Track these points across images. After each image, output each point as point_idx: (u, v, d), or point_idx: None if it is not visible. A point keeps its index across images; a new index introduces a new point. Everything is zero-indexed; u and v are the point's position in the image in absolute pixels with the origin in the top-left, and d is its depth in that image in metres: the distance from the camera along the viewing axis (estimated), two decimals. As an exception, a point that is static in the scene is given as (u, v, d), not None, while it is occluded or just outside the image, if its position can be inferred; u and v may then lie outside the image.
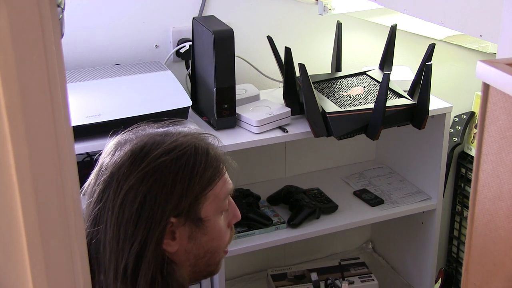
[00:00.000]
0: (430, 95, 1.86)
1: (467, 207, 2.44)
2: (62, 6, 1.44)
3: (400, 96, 1.90)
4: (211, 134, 1.16)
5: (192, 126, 1.75)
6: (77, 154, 1.67)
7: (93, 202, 1.08)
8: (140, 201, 1.04)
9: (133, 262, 1.05)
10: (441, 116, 1.97)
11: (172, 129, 1.14)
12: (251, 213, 1.91)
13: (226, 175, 1.14)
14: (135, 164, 1.05)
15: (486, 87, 0.85)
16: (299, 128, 1.86)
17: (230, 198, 1.17)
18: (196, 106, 1.93)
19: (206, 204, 1.09)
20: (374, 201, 2.08)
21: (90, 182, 1.11)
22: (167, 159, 1.06)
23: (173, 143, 1.08)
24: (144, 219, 1.04)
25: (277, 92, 2.06)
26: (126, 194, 1.05)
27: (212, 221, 1.11)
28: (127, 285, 1.06)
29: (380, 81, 1.83)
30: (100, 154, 1.13)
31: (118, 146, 1.10)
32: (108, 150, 1.11)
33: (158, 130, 1.14)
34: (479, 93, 0.88)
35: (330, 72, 2.08)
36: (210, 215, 1.10)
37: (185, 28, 2.02)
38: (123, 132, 1.15)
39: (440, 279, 2.50)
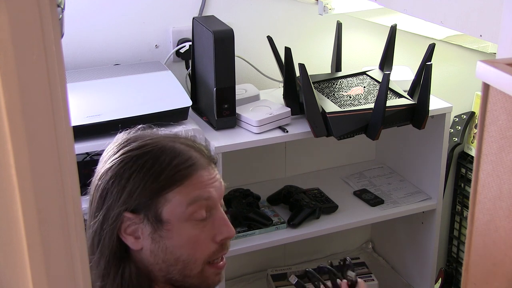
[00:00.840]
0: (430, 95, 1.86)
1: (467, 207, 2.44)
2: (62, 6, 1.44)
3: (400, 96, 1.90)
4: (195, 141, 1.17)
5: (192, 126, 1.75)
6: (77, 154, 1.67)
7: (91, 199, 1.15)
8: (104, 187, 1.10)
9: (93, 238, 1.11)
10: (441, 116, 1.97)
11: (162, 129, 1.18)
12: (251, 213, 1.91)
13: (204, 183, 1.10)
14: (113, 153, 1.12)
15: (486, 87, 0.85)
16: (299, 128, 1.86)
17: (219, 212, 1.13)
18: (196, 106, 1.93)
19: (168, 206, 1.08)
20: (374, 201, 2.08)
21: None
22: (131, 155, 1.10)
23: (146, 141, 1.12)
24: (106, 212, 1.10)
25: (277, 92, 2.06)
26: (102, 175, 1.11)
27: (176, 226, 1.09)
28: (95, 255, 1.12)
29: (380, 81, 1.83)
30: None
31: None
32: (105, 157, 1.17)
33: (151, 131, 1.18)
34: (479, 93, 0.88)
35: (330, 72, 2.08)
36: (173, 219, 1.08)
37: (185, 28, 2.02)
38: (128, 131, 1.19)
39: (440, 279, 2.50)
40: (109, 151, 1.14)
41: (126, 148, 1.11)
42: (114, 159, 1.11)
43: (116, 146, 1.13)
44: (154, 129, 1.19)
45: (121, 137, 1.16)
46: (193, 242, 1.09)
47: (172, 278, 1.11)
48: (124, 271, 1.11)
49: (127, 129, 1.19)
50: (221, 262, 1.14)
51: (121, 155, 1.10)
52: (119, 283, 1.11)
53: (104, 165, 1.12)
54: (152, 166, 1.08)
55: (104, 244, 1.10)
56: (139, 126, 1.19)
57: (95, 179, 1.13)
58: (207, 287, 1.14)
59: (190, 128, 1.71)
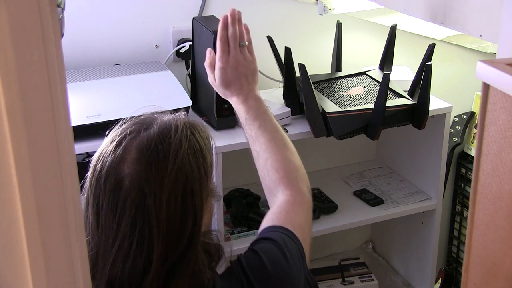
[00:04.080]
0: (430, 95, 1.86)
1: (467, 207, 2.44)
2: (62, 6, 1.44)
3: (400, 96, 1.90)
4: (182, 111, 1.19)
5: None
6: (77, 154, 1.67)
7: (121, 223, 1.05)
8: (182, 198, 1.05)
9: (179, 255, 1.06)
10: (441, 116, 1.97)
11: (150, 117, 1.14)
12: (251, 213, 1.91)
13: None
14: (161, 170, 1.04)
15: (486, 87, 0.85)
16: (299, 128, 1.86)
17: None
18: (196, 106, 1.92)
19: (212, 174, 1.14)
20: (374, 201, 2.08)
21: (98, 206, 1.07)
22: (185, 151, 1.07)
23: (176, 132, 1.08)
24: (189, 212, 1.06)
25: (277, 92, 2.06)
26: (168, 201, 1.04)
27: (213, 187, 1.15)
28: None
29: (380, 81, 1.83)
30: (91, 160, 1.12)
31: (118, 161, 1.07)
32: (107, 164, 1.07)
33: (140, 121, 1.12)
34: (479, 93, 0.88)
35: (330, 72, 2.08)
36: (212, 183, 1.15)
37: (185, 28, 2.01)
38: (115, 134, 1.12)
39: (440, 279, 2.50)
40: (148, 181, 1.04)
41: (171, 154, 1.06)
42: (170, 175, 1.04)
43: (153, 168, 1.05)
44: (129, 125, 1.13)
45: (138, 158, 1.06)
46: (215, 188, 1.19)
47: (209, 231, 1.16)
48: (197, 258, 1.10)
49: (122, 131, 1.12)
50: None
51: (174, 163, 1.05)
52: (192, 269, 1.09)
53: (161, 192, 1.04)
54: (200, 145, 1.10)
55: (194, 248, 1.07)
56: (127, 122, 1.13)
57: (158, 220, 1.04)
58: None
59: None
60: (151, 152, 1.05)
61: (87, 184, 1.10)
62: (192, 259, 1.07)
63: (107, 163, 1.07)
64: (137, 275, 1.05)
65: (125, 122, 1.13)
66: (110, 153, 1.08)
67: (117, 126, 1.13)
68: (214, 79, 1.40)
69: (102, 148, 1.11)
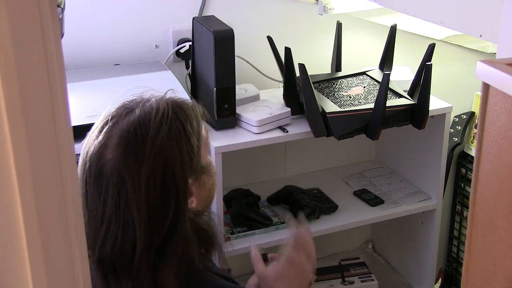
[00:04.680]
0: (430, 95, 1.86)
1: (467, 207, 2.44)
2: (62, 6, 1.44)
3: (400, 96, 1.90)
4: (168, 90, 1.19)
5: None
6: (77, 154, 1.67)
7: (112, 208, 1.08)
8: (161, 182, 1.07)
9: (165, 237, 1.08)
10: (441, 116, 1.97)
11: (136, 100, 1.15)
12: (251, 213, 1.91)
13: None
14: (140, 154, 1.07)
15: (486, 87, 0.85)
16: (299, 128, 1.86)
17: None
18: (196, 106, 1.92)
19: (203, 151, 1.14)
20: (374, 201, 2.08)
21: (85, 188, 1.11)
22: (164, 135, 1.08)
23: (157, 116, 1.09)
24: (171, 195, 1.08)
25: (277, 92, 2.06)
26: (147, 184, 1.06)
27: (208, 161, 1.17)
28: (159, 259, 1.09)
29: (380, 81, 1.83)
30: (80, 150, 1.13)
31: (104, 141, 1.09)
32: (92, 147, 1.10)
33: (124, 105, 1.14)
34: (479, 93, 0.88)
35: (330, 72, 2.08)
36: (207, 158, 1.16)
37: (185, 28, 2.02)
38: (99, 121, 1.14)
39: (440, 279, 2.50)
40: (126, 165, 1.06)
41: (149, 138, 1.07)
42: (148, 158, 1.06)
43: (131, 152, 1.07)
44: (114, 109, 1.15)
45: (117, 143, 1.08)
46: (211, 162, 1.19)
47: (203, 210, 1.18)
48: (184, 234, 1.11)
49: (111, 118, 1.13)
50: None
51: (152, 147, 1.07)
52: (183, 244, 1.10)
53: (139, 176, 1.05)
54: (185, 127, 1.11)
55: (180, 229, 1.09)
56: (114, 108, 1.15)
57: (138, 202, 1.06)
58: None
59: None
60: (129, 137, 1.08)
61: (77, 167, 1.13)
62: (180, 241, 1.09)
63: (91, 148, 1.11)
64: (126, 256, 1.08)
65: (113, 106, 1.16)
66: (94, 139, 1.11)
67: (105, 111, 1.16)
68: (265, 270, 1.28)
69: (89, 133, 1.14)
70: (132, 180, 1.06)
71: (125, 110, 1.12)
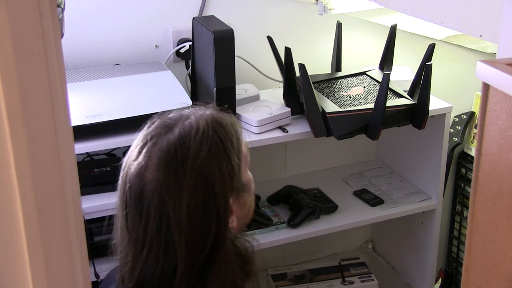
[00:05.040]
0: (430, 95, 1.86)
1: (467, 207, 2.44)
2: (62, 6, 1.44)
3: (400, 96, 1.90)
4: (207, 102, 1.16)
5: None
6: (77, 154, 1.67)
7: (152, 231, 1.05)
8: (203, 202, 1.04)
9: (207, 258, 1.06)
10: (441, 116, 1.97)
11: (178, 116, 1.12)
12: (251, 213, 1.91)
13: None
14: (180, 175, 1.04)
15: (486, 87, 0.85)
16: (299, 128, 1.86)
17: None
18: (196, 106, 1.92)
19: (243, 169, 1.12)
20: (374, 201, 2.08)
21: (130, 210, 1.07)
22: (204, 154, 1.05)
23: (197, 135, 1.06)
24: (212, 215, 1.06)
25: (277, 92, 2.06)
26: (188, 206, 1.03)
27: (249, 179, 1.15)
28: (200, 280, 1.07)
29: (380, 81, 1.83)
30: (119, 171, 1.10)
31: (143, 162, 1.06)
32: (132, 168, 1.07)
33: (163, 124, 1.11)
34: (479, 93, 0.88)
35: (330, 72, 2.08)
36: (247, 175, 1.14)
37: (185, 28, 2.02)
38: (139, 140, 1.11)
39: (440, 279, 2.50)
40: (168, 187, 1.04)
41: (190, 159, 1.04)
42: (190, 179, 1.03)
43: (171, 173, 1.04)
44: (152, 129, 1.12)
45: (158, 164, 1.05)
46: (252, 179, 1.17)
47: (241, 228, 1.16)
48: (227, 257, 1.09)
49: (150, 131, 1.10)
50: None
51: (193, 168, 1.04)
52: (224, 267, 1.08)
53: (181, 198, 1.03)
54: (225, 146, 1.08)
55: (223, 250, 1.07)
56: (152, 126, 1.12)
57: (179, 224, 1.03)
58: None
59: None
60: (170, 158, 1.05)
61: (118, 187, 1.11)
62: (222, 262, 1.07)
63: (132, 169, 1.08)
64: (167, 279, 1.06)
65: (153, 123, 1.13)
66: (133, 159, 1.08)
67: (145, 127, 1.13)
68: None
69: (129, 152, 1.11)
70: (173, 202, 1.03)
71: (164, 129, 1.09)
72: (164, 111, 1.16)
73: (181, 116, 1.12)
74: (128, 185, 1.07)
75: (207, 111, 1.12)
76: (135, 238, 1.07)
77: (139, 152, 1.08)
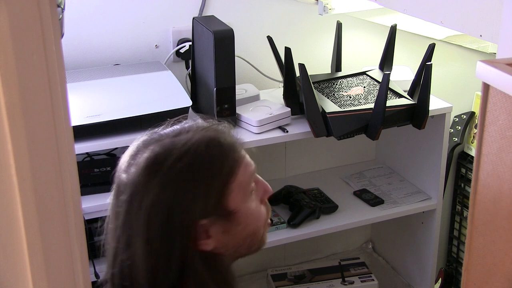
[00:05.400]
0: (430, 95, 1.86)
1: (467, 207, 2.44)
2: (62, 6, 1.44)
3: (400, 96, 1.90)
4: (220, 121, 1.12)
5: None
6: (77, 154, 1.67)
7: (120, 226, 1.06)
8: (167, 213, 1.02)
9: (176, 276, 1.03)
10: (441, 116, 1.97)
11: (179, 128, 1.10)
12: (251, 213, 1.90)
13: (246, 158, 1.10)
14: (151, 177, 1.02)
15: (486, 87, 0.85)
16: (299, 128, 1.86)
17: (256, 176, 1.15)
18: (196, 106, 1.92)
19: (233, 196, 1.06)
20: (374, 201, 2.08)
21: (112, 205, 1.08)
22: (183, 166, 1.02)
23: (184, 147, 1.04)
24: (175, 230, 1.02)
25: (277, 92, 2.06)
26: (150, 210, 1.02)
27: (243, 209, 1.08)
28: None
29: (380, 81, 1.83)
30: (115, 172, 1.10)
31: (131, 161, 1.07)
32: (122, 166, 1.08)
33: (165, 132, 1.10)
34: (479, 93, 0.88)
35: (330, 72, 2.08)
36: (239, 205, 1.07)
37: (185, 28, 2.02)
38: (134, 144, 1.11)
39: (440, 279, 2.50)
40: (138, 185, 1.03)
41: (166, 165, 1.02)
42: (158, 184, 1.02)
43: (146, 174, 1.03)
44: (154, 134, 1.11)
45: (141, 164, 1.04)
46: (256, 215, 1.12)
47: (238, 256, 1.13)
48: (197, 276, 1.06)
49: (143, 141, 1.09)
50: (269, 220, 1.19)
51: (165, 174, 1.02)
52: None
53: (145, 199, 1.02)
54: (210, 165, 1.04)
55: (191, 269, 1.04)
56: (151, 132, 1.11)
57: (138, 225, 1.02)
58: (257, 250, 1.17)
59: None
60: (151, 159, 1.04)
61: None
62: (191, 283, 1.05)
63: (122, 167, 1.08)
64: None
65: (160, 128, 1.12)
66: (123, 169, 1.08)
67: (141, 138, 1.11)
68: None
69: (121, 159, 1.11)
70: (139, 202, 1.02)
71: (162, 137, 1.08)
72: (177, 118, 1.15)
73: (183, 128, 1.10)
74: (115, 191, 1.08)
75: (212, 127, 1.10)
76: (111, 237, 1.08)
77: (134, 152, 1.09)
